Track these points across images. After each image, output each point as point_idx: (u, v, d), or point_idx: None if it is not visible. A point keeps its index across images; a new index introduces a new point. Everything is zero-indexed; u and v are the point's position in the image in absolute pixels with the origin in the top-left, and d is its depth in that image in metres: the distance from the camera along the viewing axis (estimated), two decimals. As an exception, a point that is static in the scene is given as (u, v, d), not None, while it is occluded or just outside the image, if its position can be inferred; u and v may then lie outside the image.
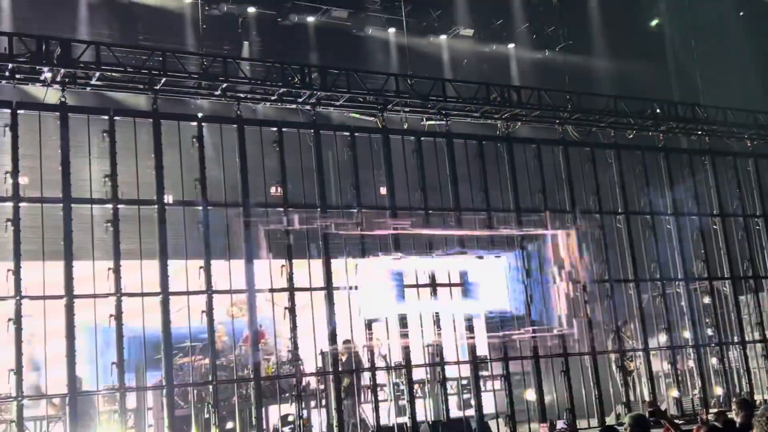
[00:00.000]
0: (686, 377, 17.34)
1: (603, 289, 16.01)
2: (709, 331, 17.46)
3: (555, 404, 15.37)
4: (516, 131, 16.35)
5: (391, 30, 20.72)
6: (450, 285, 14.70)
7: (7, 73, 12.11)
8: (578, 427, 14.89)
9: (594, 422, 15.14)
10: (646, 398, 15.99)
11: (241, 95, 13.86)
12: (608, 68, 21.50)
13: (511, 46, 22.76)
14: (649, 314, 16.66)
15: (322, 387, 14.18)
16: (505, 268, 15.04)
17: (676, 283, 17.22)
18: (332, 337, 13.45)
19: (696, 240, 17.51)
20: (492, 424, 14.61)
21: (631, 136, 17.46)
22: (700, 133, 18.17)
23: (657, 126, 17.60)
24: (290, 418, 13.61)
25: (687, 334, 17.15)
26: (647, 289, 16.98)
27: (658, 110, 17.55)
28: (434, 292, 14.52)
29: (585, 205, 16.33)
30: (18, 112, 11.96)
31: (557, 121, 16.62)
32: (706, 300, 17.65)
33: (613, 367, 16.49)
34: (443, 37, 21.81)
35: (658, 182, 17.34)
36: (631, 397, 16.09)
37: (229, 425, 13.48)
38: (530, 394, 15.24)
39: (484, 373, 16.42)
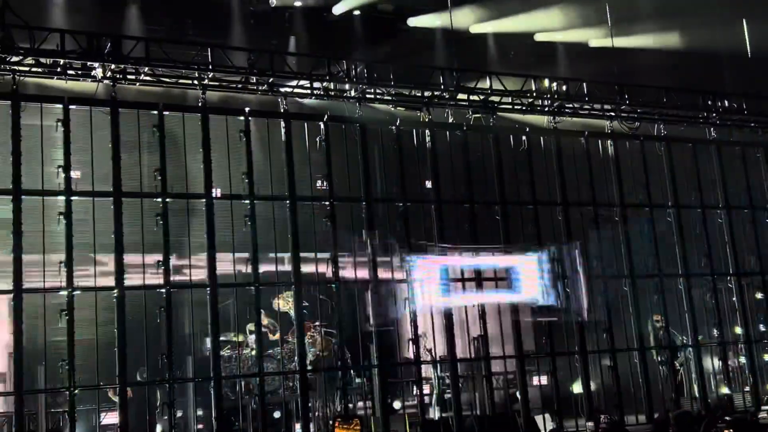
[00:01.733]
0: (737, 374, 17.02)
1: (652, 284, 15.83)
2: (762, 327, 17.12)
3: (602, 399, 15.24)
4: (564, 124, 16.15)
5: (438, 22, 20.56)
6: (495, 279, 14.68)
7: (58, 69, 12.33)
8: (626, 422, 14.71)
9: (642, 418, 14.96)
10: (696, 395, 15.76)
11: (288, 90, 13.93)
12: (659, 59, 21.07)
13: (560, 37, 22.44)
14: (699, 310, 16.36)
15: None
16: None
17: (728, 278, 16.90)
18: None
19: (748, 234, 17.17)
20: (538, 418, 14.50)
21: (682, 128, 17.16)
22: (753, 125, 17.78)
23: (707, 118, 17.27)
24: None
25: (738, 330, 16.85)
26: (698, 284, 16.65)
27: (709, 102, 17.21)
28: (479, 285, 14.52)
29: (635, 198, 16.13)
30: (70, 107, 12.17)
31: (606, 114, 16.40)
32: (759, 295, 17.29)
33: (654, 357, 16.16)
34: (489, 29, 21.58)
35: (709, 175, 17.04)
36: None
37: (276, 414, 13.61)
38: (577, 387, 15.13)
39: (530, 367, 16.27)
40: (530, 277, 14.79)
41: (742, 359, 16.87)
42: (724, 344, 16.36)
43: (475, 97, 15.25)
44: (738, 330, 16.84)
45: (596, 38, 21.78)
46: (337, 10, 19.21)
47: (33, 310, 11.53)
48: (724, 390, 16.15)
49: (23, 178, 11.63)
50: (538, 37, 21.93)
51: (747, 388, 16.46)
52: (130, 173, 12.44)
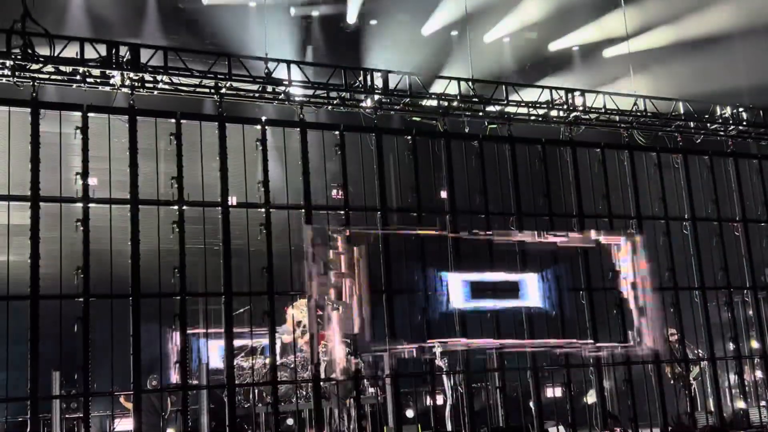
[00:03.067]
0: (753, 388, 16.89)
1: (668, 297, 15.75)
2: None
3: (616, 411, 15.18)
4: (580, 135, 16.12)
5: (454, 33, 20.66)
6: (509, 290, 14.70)
7: (78, 77, 12.44)
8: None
9: (656, 431, 14.88)
10: (711, 409, 15.67)
11: (304, 99, 13.99)
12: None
13: (575, 48, 22.47)
14: (715, 323, 16.26)
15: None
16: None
17: (744, 291, 16.80)
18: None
19: (765, 247, 17.07)
20: (552, 430, 14.47)
21: (699, 140, 17.10)
22: (771, 138, 17.72)
23: (726, 131, 17.20)
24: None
25: (755, 344, 16.74)
26: (714, 298, 16.55)
27: (726, 114, 17.15)
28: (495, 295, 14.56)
29: (650, 210, 16.08)
30: (88, 115, 12.28)
31: (622, 125, 16.36)
32: (776, 309, 17.18)
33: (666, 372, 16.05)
34: (506, 39, 21.64)
35: (726, 188, 16.96)
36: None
37: (290, 421, 13.65)
38: (591, 397, 15.07)
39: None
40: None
41: (759, 373, 16.76)
42: (740, 358, 16.24)
43: (491, 108, 15.27)
44: (754, 344, 16.74)
45: (611, 46, 21.79)
46: (352, 19, 19.34)
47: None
48: (740, 404, 16.03)
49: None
50: (552, 47, 21.99)
51: (763, 403, 16.35)
52: (147, 181, 12.54)
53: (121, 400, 12.87)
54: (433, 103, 14.91)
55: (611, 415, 14.83)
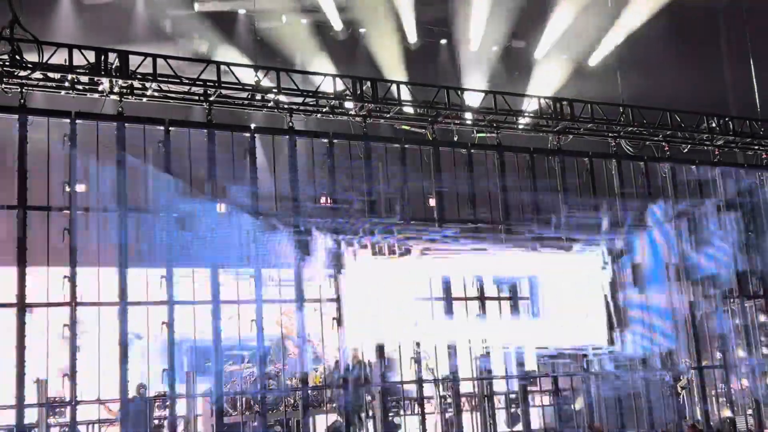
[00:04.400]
0: (740, 396, 16.94)
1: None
2: (765, 350, 17.05)
3: (603, 420, 15.19)
4: (568, 144, 16.16)
5: (443, 42, 20.73)
6: (499, 299, 14.67)
7: (66, 84, 12.38)
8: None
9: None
10: (699, 417, 15.70)
11: (293, 107, 13.96)
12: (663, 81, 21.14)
13: (564, 56, 22.54)
14: (702, 332, 16.30)
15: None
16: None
17: (731, 300, 16.85)
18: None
19: (752, 256, 17.13)
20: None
21: (686, 150, 17.17)
22: (756, 148, 17.78)
23: (712, 140, 17.28)
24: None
25: (741, 353, 16.80)
26: (701, 307, 16.60)
27: (713, 124, 17.23)
28: (482, 307, 14.51)
29: (638, 219, 16.13)
30: (77, 121, 12.22)
31: (610, 135, 16.40)
32: (762, 318, 17.24)
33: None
34: (494, 48, 21.70)
35: (713, 197, 17.02)
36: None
37: (278, 429, 13.60)
38: (578, 403, 15.09)
39: (533, 387, 16.21)
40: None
41: (745, 382, 16.80)
42: (727, 367, 16.28)
43: (480, 116, 15.28)
44: (741, 353, 16.79)
45: (599, 55, 21.89)
46: (338, 26, 19.37)
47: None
48: (727, 413, 16.07)
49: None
50: (538, 55, 22.06)
51: (750, 412, 16.39)
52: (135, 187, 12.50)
53: (105, 408, 12.79)
54: (424, 111, 14.88)
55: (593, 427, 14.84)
